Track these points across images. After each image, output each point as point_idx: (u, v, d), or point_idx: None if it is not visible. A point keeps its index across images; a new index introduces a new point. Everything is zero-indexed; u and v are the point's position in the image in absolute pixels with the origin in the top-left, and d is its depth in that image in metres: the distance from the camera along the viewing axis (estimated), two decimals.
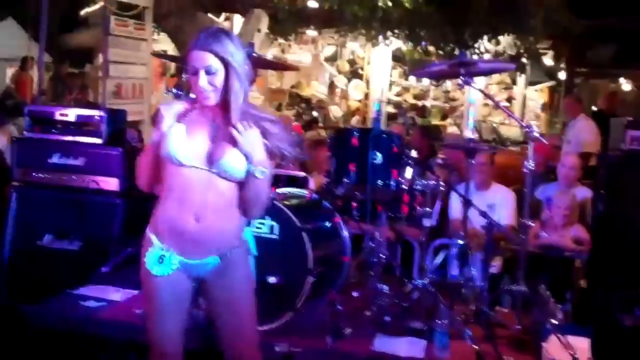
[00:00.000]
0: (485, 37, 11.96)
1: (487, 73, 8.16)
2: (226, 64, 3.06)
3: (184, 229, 3.18)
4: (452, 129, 15.32)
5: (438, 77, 10.53)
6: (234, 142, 3.10)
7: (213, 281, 3.30)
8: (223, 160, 3.10)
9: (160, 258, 3.21)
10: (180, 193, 3.17)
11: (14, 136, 6.05)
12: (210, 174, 3.14)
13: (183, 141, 3.12)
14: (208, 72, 3.06)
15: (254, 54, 4.77)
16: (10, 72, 14.04)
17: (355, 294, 4.98)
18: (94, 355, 4.65)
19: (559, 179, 6.69)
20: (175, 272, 3.23)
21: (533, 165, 4.53)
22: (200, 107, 3.21)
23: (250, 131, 3.08)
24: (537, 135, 4.48)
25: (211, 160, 3.13)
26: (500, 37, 12.24)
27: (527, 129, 4.50)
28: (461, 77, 4.55)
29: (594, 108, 13.73)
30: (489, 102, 14.53)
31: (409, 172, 4.56)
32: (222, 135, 3.15)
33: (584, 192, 6.50)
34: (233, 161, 3.10)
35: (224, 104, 3.15)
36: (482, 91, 4.93)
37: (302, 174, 5.35)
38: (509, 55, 12.61)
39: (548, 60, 15.79)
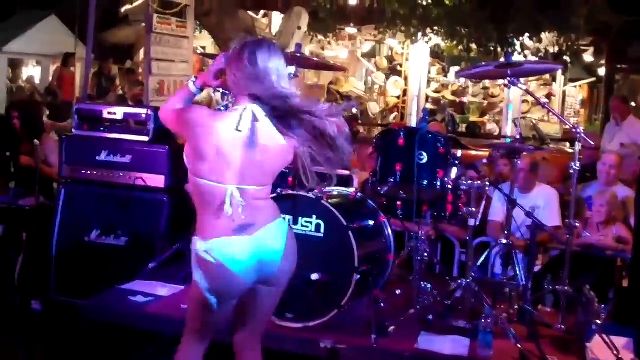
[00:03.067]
0: (527, 35, 11.90)
1: (533, 74, 8.12)
2: None
3: None
4: (491, 126, 15.27)
5: (484, 78, 10.47)
6: None
7: None
8: None
9: None
10: None
11: (63, 134, 6.15)
12: None
13: None
14: None
15: (299, 54, 4.82)
16: (53, 68, 14.22)
17: (398, 291, 5.01)
18: (142, 348, 4.75)
19: (599, 178, 6.66)
20: None
21: (579, 166, 4.56)
22: None
23: None
24: (584, 136, 4.50)
25: None
26: (542, 35, 12.17)
27: (574, 130, 4.52)
28: (508, 78, 4.58)
29: None
30: (528, 98, 14.45)
31: (454, 172, 4.58)
32: None
33: (625, 191, 6.47)
34: None
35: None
36: (529, 92, 4.95)
37: (347, 172, 5.39)
38: (551, 53, 12.53)
39: (588, 57, 15.66)
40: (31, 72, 15.14)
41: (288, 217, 4.32)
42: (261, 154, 3.19)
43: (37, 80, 14.72)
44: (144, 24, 10.35)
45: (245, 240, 3.23)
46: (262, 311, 3.49)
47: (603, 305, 4.48)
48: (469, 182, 4.60)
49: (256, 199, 3.25)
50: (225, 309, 3.37)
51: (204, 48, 16.04)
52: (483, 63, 5.58)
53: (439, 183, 4.53)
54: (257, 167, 3.22)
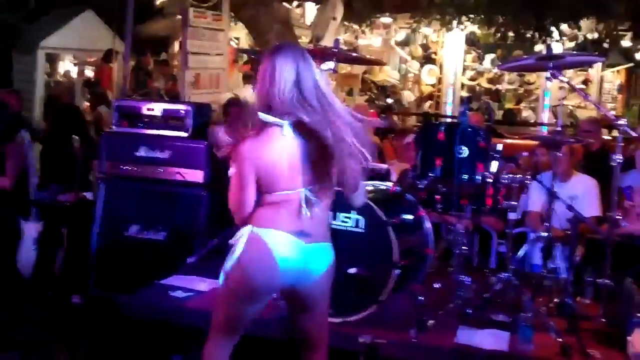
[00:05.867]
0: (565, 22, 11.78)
1: (575, 66, 8.01)
2: None
3: None
4: (527, 113, 15.14)
5: (525, 71, 10.35)
6: None
7: None
8: None
9: None
10: None
11: (104, 130, 6.23)
12: None
13: None
14: None
15: (336, 49, 4.81)
16: (90, 61, 14.34)
17: (436, 285, 4.99)
18: (183, 344, 4.78)
19: (638, 167, 6.55)
20: None
21: (621, 158, 4.51)
22: None
23: None
24: (628, 129, 4.45)
25: None
26: (580, 22, 12.03)
27: (617, 123, 4.47)
28: (549, 70, 4.55)
29: None
30: (565, 85, 14.29)
31: (494, 166, 4.56)
32: None
33: None
34: None
35: None
36: (570, 85, 4.90)
37: (384, 166, 5.39)
38: (590, 39, 12.38)
39: (626, 42, 15.42)
40: (68, 66, 15.26)
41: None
42: (311, 153, 3.29)
43: (74, 75, 14.84)
44: (178, 16, 10.42)
45: (300, 244, 3.33)
46: (312, 329, 3.57)
47: None
48: (510, 175, 4.57)
49: (320, 203, 3.35)
50: (254, 307, 3.45)
51: (237, 39, 16.08)
52: (524, 56, 5.53)
53: (479, 177, 4.51)
54: (315, 167, 3.31)
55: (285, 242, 3.31)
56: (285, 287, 3.42)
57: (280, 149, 3.27)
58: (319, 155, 3.28)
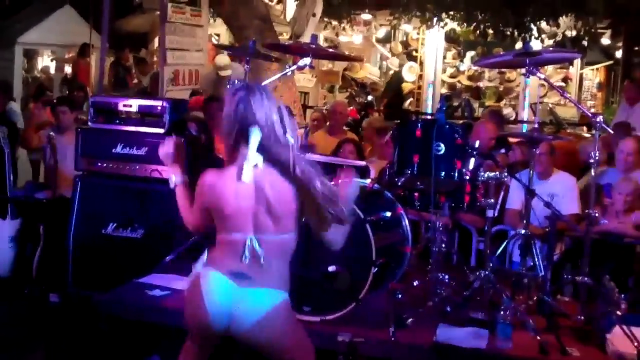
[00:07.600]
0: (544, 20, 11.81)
1: (552, 62, 8.02)
2: None
3: None
4: (507, 111, 15.18)
5: (502, 67, 10.40)
6: None
7: None
8: None
9: None
10: None
11: (78, 127, 6.15)
12: None
13: None
14: None
15: (314, 45, 4.79)
16: (68, 57, 14.26)
17: (415, 283, 4.98)
18: (159, 343, 4.75)
19: (618, 165, 6.58)
20: None
21: (598, 155, 4.51)
22: None
23: None
24: (604, 125, 4.45)
25: None
26: (559, 19, 12.07)
27: (594, 119, 4.47)
28: (526, 67, 4.53)
29: None
30: (545, 82, 14.35)
31: (471, 163, 4.54)
32: None
33: None
34: None
35: None
36: (548, 82, 4.90)
37: (363, 163, 5.36)
38: (569, 37, 12.42)
39: (605, 40, 15.50)
40: (46, 62, 15.19)
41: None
42: (270, 200, 3.20)
43: (52, 70, 14.77)
44: (158, 12, 10.37)
45: (232, 287, 3.24)
46: None
47: (623, 295, 4.44)
48: (487, 173, 4.55)
49: (272, 250, 3.24)
50: (203, 344, 3.40)
51: (218, 36, 16.03)
52: (501, 52, 5.53)
53: (456, 174, 4.49)
54: (269, 214, 3.21)
55: (217, 285, 3.24)
56: (220, 330, 3.29)
57: (236, 191, 3.20)
58: (279, 202, 3.20)
